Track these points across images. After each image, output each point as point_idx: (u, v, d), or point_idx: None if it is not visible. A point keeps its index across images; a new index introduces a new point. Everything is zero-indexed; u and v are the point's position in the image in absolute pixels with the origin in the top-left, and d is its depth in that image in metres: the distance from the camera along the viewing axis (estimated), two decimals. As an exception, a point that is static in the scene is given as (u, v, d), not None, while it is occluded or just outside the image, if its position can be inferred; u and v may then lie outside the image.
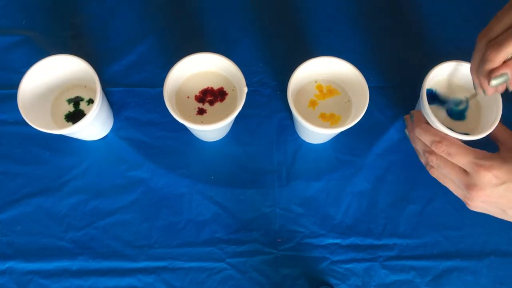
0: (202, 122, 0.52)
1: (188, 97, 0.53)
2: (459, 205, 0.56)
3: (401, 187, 0.57)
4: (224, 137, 0.59)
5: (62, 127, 0.50)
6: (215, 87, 0.54)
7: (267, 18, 0.64)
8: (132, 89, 0.60)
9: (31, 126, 0.49)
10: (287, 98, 0.50)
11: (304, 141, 0.59)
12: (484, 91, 0.44)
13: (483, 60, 0.41)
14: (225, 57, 0.51)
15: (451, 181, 0.47)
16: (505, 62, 0.40)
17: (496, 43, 0.39)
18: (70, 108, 0.56)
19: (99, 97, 0.50)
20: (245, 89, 0.49)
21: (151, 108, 0.60)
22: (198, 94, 0.53)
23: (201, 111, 0.53)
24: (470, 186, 0.43)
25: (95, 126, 0.54)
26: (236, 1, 0.64)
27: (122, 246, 0.55)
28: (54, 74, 0.53)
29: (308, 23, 0.63)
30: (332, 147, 0.58)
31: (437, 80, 0.54)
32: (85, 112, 0.56)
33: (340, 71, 0.53)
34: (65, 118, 0.56)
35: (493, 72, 0.41)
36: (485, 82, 0.42)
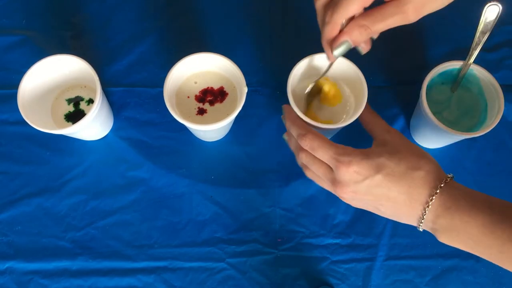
0: (202, 122, 0.52)
1: (188, 97, 0.53)
2: (459, 205, 0.57)
3: (401, 187, 0.57)
4: (224, 137, 0.59)
5: (62, 127, 0.50)
6: (215, 87, 0.54)
7: (267, 18, 0.64)
8: (132, 89, 0.60)
9: (31, 126, 0.49)
10: (287, 97, 0.50)
11: (304, 141, 0.59)
12: (328, 58, 0.43)
13: (323, 25, 0.40)
14: (225, 57, 0.51)
15: (321, 179, 0.45)
16: (342, 31, 0.40)
17: (333, 3, 0.39)
18: (70, 108, 0.56)
19: (99, 97, 0.50)
20: (245, 89, 0.49)
21: (151, 108, 0.60)
22: (198, 94, 0.53)
23: (201, 111, 0.53)
24: (334, 183, 0.42)
25: (95, 126, 0.54)
26: (236, 1, 0.64)
27: (122, 246, 0.55)
28: (54, 74, 0.53)
29: (308, 23, 0.63)
30: (332, 147, 0.58)
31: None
32: (85, 112, 0.56)
33: (339, 68, 0.53)
34: (65, 118, 0.56)
35: (334, 42, 0.40)
36: (328, 50, 0.42)
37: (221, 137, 0.59)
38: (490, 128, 0.49)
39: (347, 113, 0.53)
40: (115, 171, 0.57)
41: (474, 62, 0.51)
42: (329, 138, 0.58)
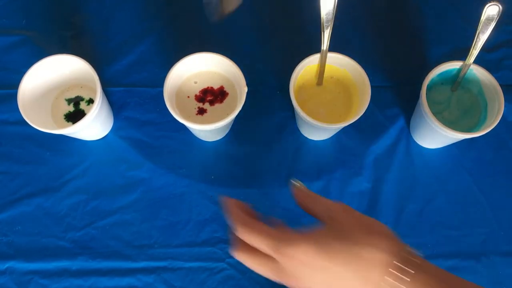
0: (202, 122, 0.52)
1: (188, 97, 0.53)
2: (459, 205, 0.57)
3: (401, 187, 0.57)
4: (224, 137, 0.59)
5: (62, 127, 0.50)
6: (215, 87, 0.54)
7: (267, 18, 0.64)
8: (132, 89, 0.60)
9: (31, 126, 0.49)
10: (287, 97, 0.50)
11: (304, 141, 0.59)
12: None
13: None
14: (225, 57, 0.51)
15: (265, 271, 0.39)
16: None
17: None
18: (70, 108, 0.56)
19: (99, 97, 0.50)
20: (245, 89, 0.49)
21: (151, 108, 0.60)
22: (198, 94, 0.53)
23: (201, 111, 0.53)
24: (278, 272, 0.37)
25: (95, 126, 0.54)
26: (236, 1, 0.64)
27: (122, 246, 0.55)
28: (54, 74, 0.53)
29: (308, 23, 0.63)
30: (332, 147, 0.59)
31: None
32: (85, 112, 0.56)
33: (342, 66, 0.53)
34: (65, 118, 0.56)
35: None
36: None
37: (221, 137, 0.59)
38: (490, 128, 0.49)
39: (348, 111, 0.54)
40: (115, 171, 0.57)
41: (474, 62, 0.51)
42: (329, 136, 0.58)
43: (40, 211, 0.56)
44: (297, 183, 0.42)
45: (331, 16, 0.48)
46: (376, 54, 0.62)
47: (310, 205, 0.41)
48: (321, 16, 0.49)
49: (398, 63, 0.62)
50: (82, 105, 0.56)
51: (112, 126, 0.59)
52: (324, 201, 0.41)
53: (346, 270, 0.35)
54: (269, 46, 0.62)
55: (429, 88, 0.53)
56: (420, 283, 0.35)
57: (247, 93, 0.49)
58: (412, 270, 0.35)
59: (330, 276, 0.36)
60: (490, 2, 0.47)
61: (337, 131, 0.57)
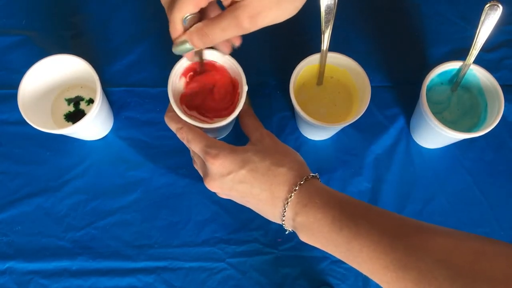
0: (202, 122, 0.52)
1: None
2: (459, 205, 0.57)
3: (401, 187, 0.57)
4: (224, 137, 0.59)
5: (62, 127, 0.50)
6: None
7: (267, 18, 0.64)
8: (132, 89, 0.60)
9: (31, 126, 0.49)
10: (287, 97, 0.50)
11: (304, 140, 0.59)
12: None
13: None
14: (227, 55, 0.50)
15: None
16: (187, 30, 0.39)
17: (172, 2, 0.38)
18: (70, 108, 0.56)
19: (99, 97, 0.50)
20: (245, 88, 0.49)
21: (151, 108, 0.60)
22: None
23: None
24: (204, 175, 0.43)
25: (95, 126, 0.54)
26: (236, 1, 0.64)
27: (122, 246, 0.55)
28: (54, 74, 0.53)
29: (308, 23, 0.63)
30: (332, 147, 0.59)
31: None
32: (85, 112, 0.56)
33: (342, 66, 0.53)
34: (65, 118, 0.56)
35: (176, 39, 0.41)
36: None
37: (221, 137, 0.59)
38: (490, 128, 0.49)
39: (348, 111, 0.54)
40: (115, 171, 0.57)
41: (474, 62, 0.51)
42: (329, 136, 0.58)
43: (40, 211, 0.56)
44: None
45: (331, 16, 0.48)
46: (376, 54, 0.62)
47: (248, 127, 0.46)
48: (321, 16, 0.49)
49: (398, 63, 0.62)
50: (82, 105, 0.56)
51: (112, 126, 0.59)
52: (258, 125, 0.46)
53: (258, 182, 0.40)
54: (269, 46, 0.62)
55: (429, 88, 0.53)
56: (321, 201, 0.38)
57: (247, 92, 0.49)
58: (313, 191, 0.39)
59: (242, 184, 0.41)
60: (490, 2, 0.47)
61: (337, 131, 0.57)
